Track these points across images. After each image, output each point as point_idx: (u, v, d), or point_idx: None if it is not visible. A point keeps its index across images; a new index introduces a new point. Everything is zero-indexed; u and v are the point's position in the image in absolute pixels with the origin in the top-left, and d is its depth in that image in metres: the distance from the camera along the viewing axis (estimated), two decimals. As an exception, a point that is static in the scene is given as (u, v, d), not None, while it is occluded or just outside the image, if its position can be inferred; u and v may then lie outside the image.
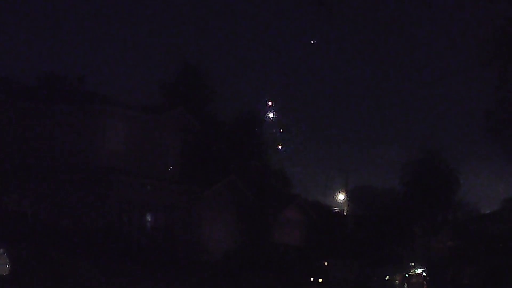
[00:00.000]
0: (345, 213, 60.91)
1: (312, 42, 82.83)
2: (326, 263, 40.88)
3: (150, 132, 41.97)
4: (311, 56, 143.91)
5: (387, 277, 37.89)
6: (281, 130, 57.62)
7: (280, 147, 56.03)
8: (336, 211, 62.69)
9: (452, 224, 63.52)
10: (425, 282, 40.91)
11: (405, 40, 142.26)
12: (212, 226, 44.39)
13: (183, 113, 44.81)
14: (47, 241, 30.47)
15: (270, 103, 55.71)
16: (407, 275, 38.90)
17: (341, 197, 62.61)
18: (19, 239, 29.04)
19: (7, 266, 25.54)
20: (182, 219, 41.90)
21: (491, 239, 62.15)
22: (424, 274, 41.26)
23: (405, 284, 38.26)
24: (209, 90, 53.87)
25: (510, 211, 66.78)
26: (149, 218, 40.67)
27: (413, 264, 40.64)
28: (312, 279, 39.57)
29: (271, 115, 55.72)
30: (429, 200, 60.07)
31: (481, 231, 63.43)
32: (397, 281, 37.96)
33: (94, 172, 37.52)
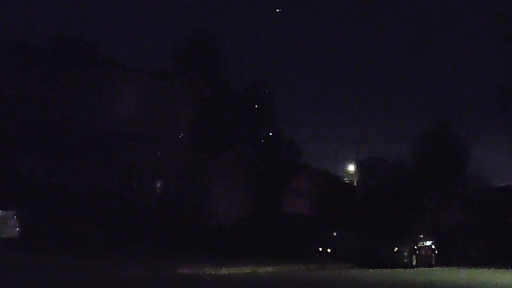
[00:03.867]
0: (355, 184, 60.85)
1: (277, 10, 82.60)
2: (335, 233, 40.86)
3: (162, 99, 41.87)
4: (326, 25, 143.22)
5: (396, 248, 37.79)
6: None
7: None
8: (346, 182, 62.63)
9: (462, 197, 63.47)
10: (433, 255, 40.88)
11: (421, 10, 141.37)
12: (221, 194, 44.44)
13: (195, 80, 44.65)
14: (57, 206, 30.57)
15: None
16: (416, 247, 38.80)
17: (351, 168, 62.48)
18: (29, 203, 29.13)
19: (17, 229, 25.65)
20: (192, 186, 41.92)
21: (501, 213, 62.14)
22: (433, 246, 41.19)
23: (414, 256, 38.19)
24: (221, 57, 53.67)
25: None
26: (159, 184, 40.72)
27: (422, 236, 40.51)
28: (320, 249, 39.59)
29: None
30: (439, 173, 60.00)
31: (491, 205, 63.38)
32: (405, 253, 37.86)
33: (106, 138, 37.50)
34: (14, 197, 28.81)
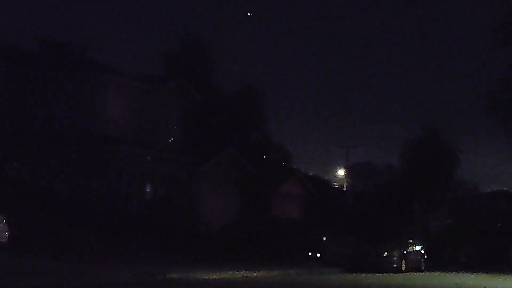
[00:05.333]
0: (344, 189, 60.97)
1: (249, 14, 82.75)
2: (324, 238, 40.89)
3: (152, 103, 41.84)
4: (316, 31, 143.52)
5: (385, 253, 37.83)
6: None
7: None
8: (336, 186, 62.75)
9: (451, 202, 63.66)
10: (423, 259, 40.94)
11: (411, 17, 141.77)
12: (211, 198, 44.40)
13: (185, 84, 44.65)
14: (46, 209, 30.48)
15: None
16: (405, 251, 38.85)
17: (341, 172, 62.63)
18: (18, 207, 29.03)
19: (6, 233, 25.56)
20: (182, 190, 41.90)
21: (490, 218, 62.38)
22: (422, 251, 41.26)
23: (403, 260, 38.23)
24: (211, 62, 53.68)
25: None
26: (148, 188, 40.66)
27: (411, 241, 40.58)
28: (310, 253, 39.63)
29: None
30: (428, 178, 60.13)
31: (480, 209, 63.62)
32: (395, 258, 37.90)
33: (95, 141, 37.45)
34: (3, 201, 28.71)
